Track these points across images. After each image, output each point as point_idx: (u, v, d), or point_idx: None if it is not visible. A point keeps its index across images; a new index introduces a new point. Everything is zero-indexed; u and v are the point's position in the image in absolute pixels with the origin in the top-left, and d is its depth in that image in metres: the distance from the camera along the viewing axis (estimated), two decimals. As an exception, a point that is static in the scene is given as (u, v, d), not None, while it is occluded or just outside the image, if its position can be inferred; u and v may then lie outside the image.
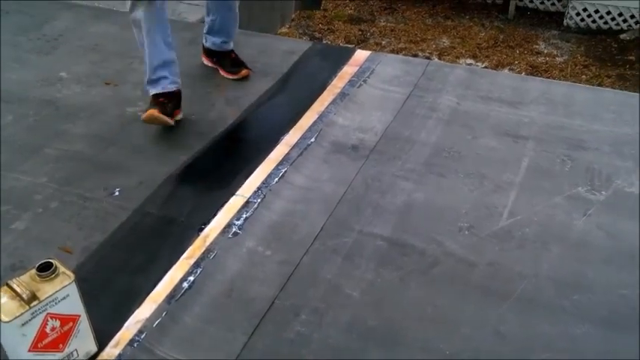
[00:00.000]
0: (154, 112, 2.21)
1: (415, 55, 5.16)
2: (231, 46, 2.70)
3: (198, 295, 1.68)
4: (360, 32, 5.55)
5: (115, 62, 2.80)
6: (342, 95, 2.55)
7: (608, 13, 5.08)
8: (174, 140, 2.30)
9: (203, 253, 1.81)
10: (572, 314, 1.60)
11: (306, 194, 2.05)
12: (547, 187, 2.02)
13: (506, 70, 4.90)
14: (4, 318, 1.32)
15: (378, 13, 5.94)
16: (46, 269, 1.41)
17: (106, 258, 1.81)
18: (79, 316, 1.46)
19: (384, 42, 5.49)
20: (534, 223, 1.88)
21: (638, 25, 5.01)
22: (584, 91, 2.68)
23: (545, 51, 5.08)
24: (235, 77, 2.68)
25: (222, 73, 2.70)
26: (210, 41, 2.68)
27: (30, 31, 3.07)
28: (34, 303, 1.35)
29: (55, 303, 1.39)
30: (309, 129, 2.34)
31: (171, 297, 1.67)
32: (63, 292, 1.40)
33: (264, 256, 1.81)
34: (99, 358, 1.51)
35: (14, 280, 1.38)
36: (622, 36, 5.03)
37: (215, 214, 1.95)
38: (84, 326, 1.48)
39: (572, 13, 5.22)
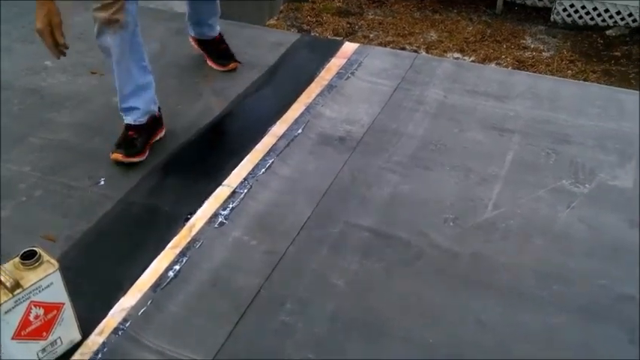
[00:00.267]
0: (118, 157, 2.08)
1: (403, 49, 5.16)
2: (216, 32, 2.64)
3: (183, 284, 1.68)
4: (349, 25, 5.54)
5: (100, 52, 2.77)
6: (330, 87, 2.55)
7: (595, 9, 5.12)
8: (161, 130, 2.29)
9: (189, 242, 1.81)
10: (551, 304, 1.63)
11: (293, 185, 2.05)
12: (531, 180, 2.04)
13: (493, 65, 4.92)
14: (-13, 305, 1.31)
15: (366, 6, 5.93)
16: (29, 257, 1.40)
17: (90, 247, 1.81)
18: (63, 304, 1.45)
19: (372, 35, 5.49)
20: (518, 215, 1.90)
21: (624, 22, 5.06)
22: (569, 86, 2.71)
23: (532, 46, 5.11)
24: (223, 69, 2.66)
25: (209, 63, 2.68)
26: (193, 31, 2.65)
27: (15, 19, 3.03)
28: (18, 291, 1.35)
29: (39, 291, 1.39)
30: (296, 120, 2.34)
31: (156, 286, 1.67)
32: (47, 281, 1.39)
33: (249, 246, 1.81)
34: (83, 345, 1.51)
35: (-2, 267, 1.37)
36: (608, 32, 5.07)
37: (201, 204, 1.95)
38: (68, 314, 1.47)
39: (560, 8, 5.25)
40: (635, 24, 5.01)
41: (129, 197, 1.99)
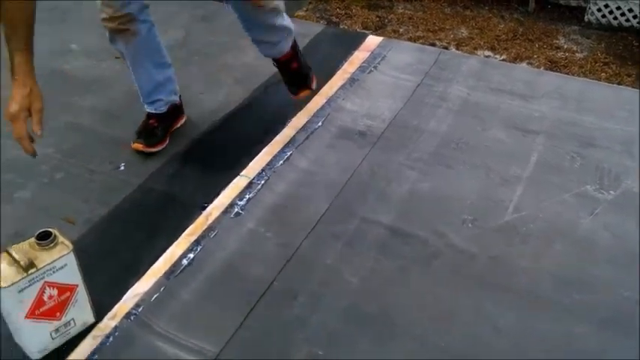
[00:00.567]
0: (139, 146, 2.09)
1: (432, 44, 5.10)
2: (276, 53, 2.19)
3: (197, 273, 1.68)
4: (378, 19, 5.48)
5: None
6: (352, 80, 2.53)
7: (630, 10, 4.99)
8: (182, 118, 2.29)
9: (204, 231, 1.81)
10: (570, 312, 1.59)
11: (311, 178, 2.04)
12: (555, 184, 1.99)
13: (524, 64, 4.84)
14: (2, 284, 1.33)
15: (396, -1, 5.86)
16: (45, 238, 1.41)
17: (108, 231, 1.82)
18: (77, 285, 1.47)
19: (401, 29, 5.43)
20: (540, 219, 1.86)
21: (659, 25, 4.92)
22: (599, 88, 2.64)
23: (565, 46, 5.00)
24: (294, 98, 2.34)
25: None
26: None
27: (42, 1, 3.05)
28: (32, 270, 1.36)
29: (53, 272, 1.40)
30: (317, 113, 2.32)
31: (170, 273, 1.68)
32: (61, 262, 1.41)
33: (264, 238, 1.80)
34: (95, 328, 1.52)
35: (13, 247, 1.39)
36: (643, 34, 4.94)
37: (218, 194, 1.95)
38: (82, 296, 1.49)
39: (594, 8, 5.13)
40: (672, 27, 4.88)
41: (148, 184, 2.00)
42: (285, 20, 2.13)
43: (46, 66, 2.55)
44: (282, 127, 2.24)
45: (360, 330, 1.55)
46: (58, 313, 1.45)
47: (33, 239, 1.42)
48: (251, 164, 2.06)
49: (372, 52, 2.75)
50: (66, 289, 1.44)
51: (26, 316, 1.38)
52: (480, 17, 5.56)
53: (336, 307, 1.61)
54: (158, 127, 2.14)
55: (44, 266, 1.38)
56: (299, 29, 2.92)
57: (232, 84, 2.51)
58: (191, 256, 1.73)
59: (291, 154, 2.11)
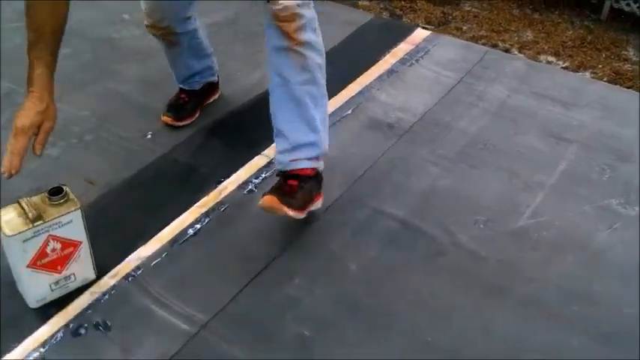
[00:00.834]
0: (168, 120, 2.13)
1: (495, 46, 4.97)
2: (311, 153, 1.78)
3: (200, 243, 1.73)
4: (442, 14, 5.37)
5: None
6: (390, 72, 2.50)
7: None
8: (216, 94, 2.34)
9: (215, 204, 1.85)
10: (570, 324, 1.53)
11: (330, 164, 2.02)
12: (578, 194, 1.92)
13: (587, 73, 4.65)
14: (8, 232, 1.40)
15: (463, -5, 5.73)
16: (56, 194, 1.48)
17: (124, 195, 1.89)
18: (81, 242, 1.53)
19: (465, 27, 5.30)
20: (555, 227, 1.80)
21: None
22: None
23: (634, 59, 4.76)
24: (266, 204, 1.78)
25: None
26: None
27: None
28: (38, 223, 1.43)
29: (59, 226, 1.46)
30: (348, 101, 2.31)
31: (174, 241, 1.72)
32: (67, 217, 1.47)
33: (273, 217, 1.81)
34: (94, 285, 1.59)
35: (25, 199, 1.46)
36: None
37: (237, 170, 1.98)
38: (85, 253, 1.55)
39: (672, 21, 4.86)
40: None
41: (171, 154, 2.05)
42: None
43: (97, 33, 2.67)
44: (311, 112, 2.24)
45: (350, 317, 1.55)
46: (59, 267, 1.51)
47: (45, 194, 1.48)
48: (274, 144, 2.08)
49: (417, 46, 2.71)
50: (69, 245, 1.51)
51: (27, 265, 1.46)
52: (548, 21, 5.36)
53: (331, 292, 1.62)
54: (189, 102, 2.19)
55: (50, 220, 1.44)
56: (347, 17, 2.93)
57: (270, 65, 2.53)
58: (198, 226, 1.77)
59: (314, 139, 2.11)
